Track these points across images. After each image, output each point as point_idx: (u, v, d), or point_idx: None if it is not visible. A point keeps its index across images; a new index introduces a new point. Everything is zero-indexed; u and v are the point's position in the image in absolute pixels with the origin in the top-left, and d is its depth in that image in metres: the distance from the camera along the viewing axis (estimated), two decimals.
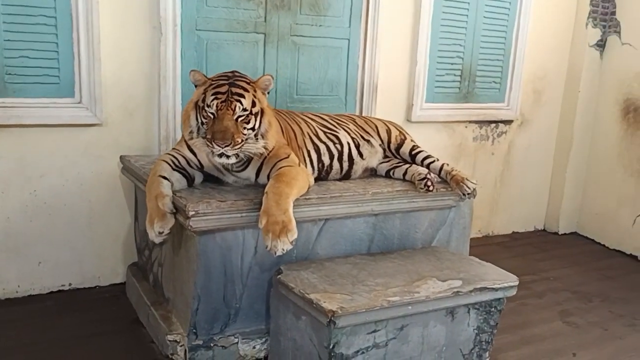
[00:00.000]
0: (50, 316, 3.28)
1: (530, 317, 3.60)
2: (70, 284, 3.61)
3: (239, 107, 2.65)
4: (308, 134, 3.23)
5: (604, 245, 5.08)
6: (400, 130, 3.58)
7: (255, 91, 2.73)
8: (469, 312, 2.73)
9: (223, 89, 2.67)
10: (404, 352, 2.58)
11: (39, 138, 3.36)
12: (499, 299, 2.80)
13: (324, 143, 3.24)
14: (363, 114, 4.27)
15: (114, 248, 3.69)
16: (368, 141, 3.40)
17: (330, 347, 2.37)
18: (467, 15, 4.54)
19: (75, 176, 3.49)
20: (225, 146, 2.62)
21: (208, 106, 2.66)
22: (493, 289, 2.72)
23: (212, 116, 2.66)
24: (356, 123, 3.49)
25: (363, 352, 2.46)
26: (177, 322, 2.93)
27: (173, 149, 2.95)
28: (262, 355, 2.95)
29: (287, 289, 2.59)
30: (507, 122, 5.02)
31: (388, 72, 4.32)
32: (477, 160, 4.95)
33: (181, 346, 2.84)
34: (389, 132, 3.49)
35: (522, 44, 4.83)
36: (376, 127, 3.50)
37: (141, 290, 3.30)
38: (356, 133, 3.39)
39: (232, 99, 2.64)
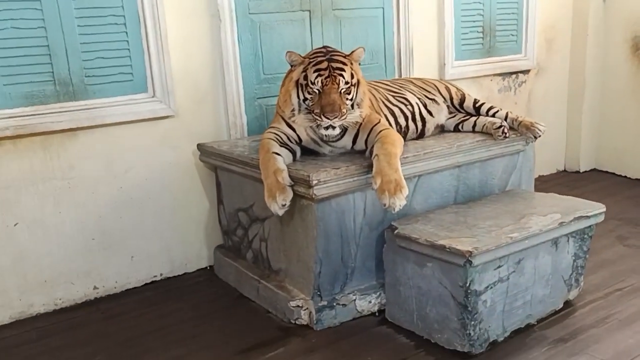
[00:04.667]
0: (159, 304, 3.41)
1: (593, 245, 3.87)
2: (161, 274, 3.73)
3: (342, 81, 2.82)
4: (380, 99, 3.41)
5: (625, 177, 5.43)
6: (456, 86, 3.79)
7: (352, 64, 2.91)
8: (568, 240, 2.99)
9: (323, 65, 2.84)
10: (521, 283, 2.82)
11: (120, 135, 3.45)
12: (590, 225, 3.06)
13: (396, 106, 3.42)
14: (400, 77, 4.46)
15: (198, 234, 3.82)
16: (433, 99, 3.59)
17: (467, 285, 2.59)
18: None
19: (156, 168, 3.60)
20: (334, 118, 2.79)
21: (312, 83, 2.82)
22: (587, 216, 2.98)
23: (317, 92, 2.82)
24: (416, 84, 3.68)
25: (491, 287, 2.69)
26: (295, 289, 3.10)
27: (271, 127, 3.10)
28: (375, 309, 3.15)
29: (409, 241, 2.79)
30: (526, 71, 5.29)
31: (420, 35, 4.52)
32: None
33: (304, 310, 3.02)
34: (448, 89, 3.69)
35: None
36: (435, 86, 3.70)
37: (242, 268, 3.45)
38: (420, 93, 3.59)
39: (335, 74, 2.82)
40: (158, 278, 3.72)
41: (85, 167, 3.37)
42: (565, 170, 5.79)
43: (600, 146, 5.66)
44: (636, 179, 5.34)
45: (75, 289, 3.45)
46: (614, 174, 5.54)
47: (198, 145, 3.62)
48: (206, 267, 3.88)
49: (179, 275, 3.79)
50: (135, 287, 3.64)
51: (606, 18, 5.37)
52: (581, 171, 5.67)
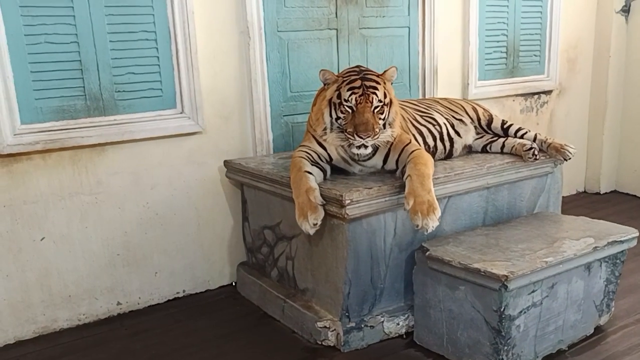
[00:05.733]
0: (183, 321, 3.39)
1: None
2: (184, 291, 3.71)
3: (375, 99, 2.82)
4: (409, 119, 3.39)
5: None
6: (482, 106, 3.77)
7: (384, 83, 2.90)
8: (601, 265, 2.95)
9: (357, 84, 2.83)
10: (553, 308, 2.78)
11: (148, 151, 3.44)
12: (623, 250, 3.02)
13: (424, 126, 3.41)
14: (426, 97, 4.45)
15: (221, 251, 3.80)
16: (460, 120, 3.58)
17: (502, 310, 2.56)
18: None
19: (182, 185, 3.59)
20: (367, 137, 2.78)
21: (346, 101, 2.81)
22: (621, 241, 2.95)
23: (350, 110, 2.82)
24: (443, 105, 3.67)
25: (525, 312, 2.65)
26: (322, 310, 3.07)
27: (302, 145, 3.09)
28: (403, 331, 3.11)
29: (441, 263, 2.76)
30: (548, 92, 5.27)
31: (445, 55, 4.51)
32: None
33: (332, 331, 2.99)
34: (475, 110, 3.68)
35: (556, 16, 5.08)
36: (462, 106, 3.69)
37: (267, 286, 3.42)
38: (447, 114, 3.57)
39: (368, 92, 2.81)
40: (181, 295, 3.70)
41: (112, 182, 3.37)
42: (585, 192, 5.75)
43: (621, 167, 5.62)
44: None
45: (98, 304, 3.43)
46: (635, 196, 5.49)
47: (225, 162, 3.61)
48: (228, 285, 3.86)
49: (201, 292, 3.76)
50: (158, 303, 3.62)
51: (628, 38, 5.36)
52: (602, 193, 5.63)
